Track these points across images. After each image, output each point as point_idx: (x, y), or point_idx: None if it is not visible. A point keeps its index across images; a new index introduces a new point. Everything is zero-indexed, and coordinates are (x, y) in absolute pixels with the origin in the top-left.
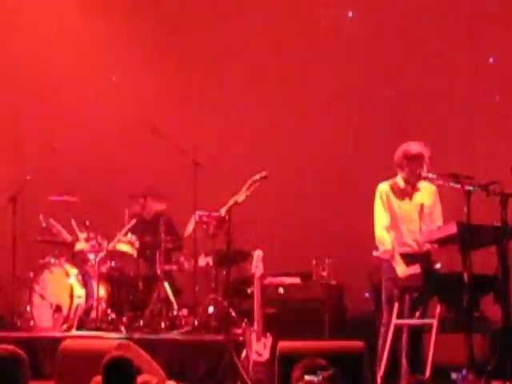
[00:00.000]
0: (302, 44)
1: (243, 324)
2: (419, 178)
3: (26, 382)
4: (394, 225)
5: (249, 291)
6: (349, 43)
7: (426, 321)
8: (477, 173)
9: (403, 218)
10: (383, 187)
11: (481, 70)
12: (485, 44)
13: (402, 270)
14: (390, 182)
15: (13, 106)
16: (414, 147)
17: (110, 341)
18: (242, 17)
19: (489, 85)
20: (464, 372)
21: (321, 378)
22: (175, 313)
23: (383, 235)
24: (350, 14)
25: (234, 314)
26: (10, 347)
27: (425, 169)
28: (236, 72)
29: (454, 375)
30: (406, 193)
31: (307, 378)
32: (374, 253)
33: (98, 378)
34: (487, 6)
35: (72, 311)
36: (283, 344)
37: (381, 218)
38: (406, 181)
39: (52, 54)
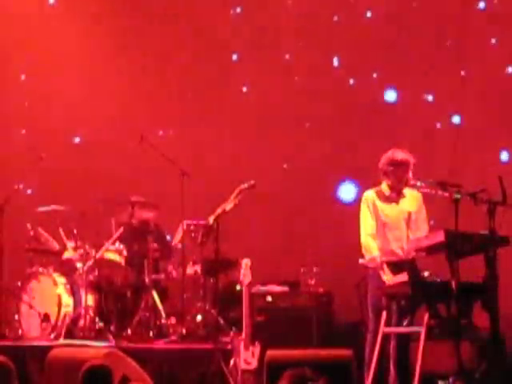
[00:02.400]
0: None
1: (231, 332)
2: (406, 185)
3: None
4: (380, 232)
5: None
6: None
7: (414, 328)
8: (464, 181)
9: (389, 225)
10: (369, 195)
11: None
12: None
13: (388, 278)
14: (376, 189)
15: (1, 115)
16: (400, 154)
17: (97, 350)
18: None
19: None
20: (451, 380)
21: None
22: (163, 321)
23: (369, 243)
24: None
25: (222, 322)
26: None
27: (410, 175)
28: (223, 81)
29: (441, 383)
30: (391, 200)
31: None
32: (361, 260)
33: None
34: None
35: (60, 320)
36: (271, 352)
37: (367, 226)
38: (392, 188)
39: (39, 63)
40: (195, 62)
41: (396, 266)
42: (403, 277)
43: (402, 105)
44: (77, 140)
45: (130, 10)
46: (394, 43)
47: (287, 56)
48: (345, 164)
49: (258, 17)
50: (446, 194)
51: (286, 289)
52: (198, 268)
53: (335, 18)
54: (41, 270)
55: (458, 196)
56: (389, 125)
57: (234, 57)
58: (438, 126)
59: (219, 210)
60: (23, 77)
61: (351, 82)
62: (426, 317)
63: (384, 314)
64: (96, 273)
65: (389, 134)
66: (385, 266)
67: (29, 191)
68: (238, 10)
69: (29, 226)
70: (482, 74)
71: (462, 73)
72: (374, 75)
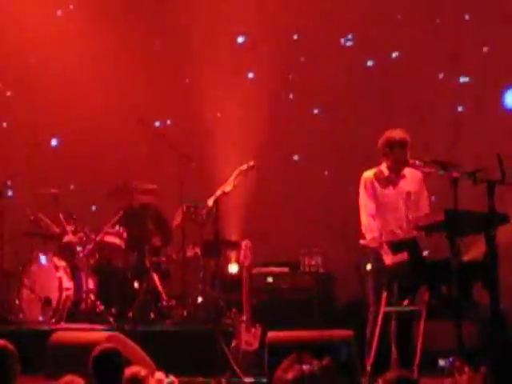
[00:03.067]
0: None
1: (232, 314)
2: (405, 164)
3: (15, 376)
4: (379, 213)
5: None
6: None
7: (414, 307)
8: (463, 160)
9: (389, 206)
10: (368, 175)
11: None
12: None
13: (389, 257)
14: (375, 170)
15: (5, 100)
16: (397, 134)
17: (99, 333)
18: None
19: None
20: (451, 359)
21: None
22: (164, 303)
23: (370, 223)
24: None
25: (222, 303)
26: (0, 341)
27: (408, 155)
28: (224, 61)
29: (441, 362)
30: (390, 180)
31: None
32: (361, 241)
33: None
34: None
35: (61, 304)
36: (272, 334)
37: (366, 207)
38: (391, 168)
39: (39, 49)
40: (205, 44)
41: (397, 246)
42: (403, 256)
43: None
44: (76, 126)
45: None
46: None
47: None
48: (346, 143)
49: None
50: (445, 173)
51: (286, 270)
52: (198, 250)
53: None
54: (41, 254)
55: (458, 175)
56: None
57: (240, 39)
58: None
59: (218, 192)
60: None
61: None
62: (426, 296)
63: (385, 293)
64: (96, 256)
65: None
66: (385, 246)
67: (27, 176)
68: None
69: (28, 210)
70: None
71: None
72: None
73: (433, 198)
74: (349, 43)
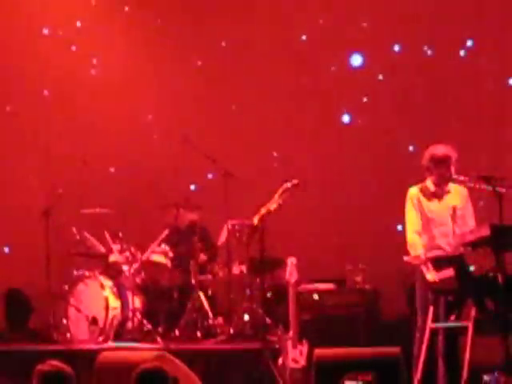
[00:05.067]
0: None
1: (278, 331)
2: (449, 181)
3: None
4: (426, 228)
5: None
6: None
7: (462, 323)
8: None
9: (435, 221)
10: (414, 191)
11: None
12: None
13: (431, 275)
14: (420, 185)
15: (44, 120)
16: (440, 150)
17: (146, 352)
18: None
19: None
20: (496, 374)
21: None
22: (210, 322)
23: (414, 240)
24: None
25: (269, 321)
26: (57, 363)
27: (452, 170)
28: (270, 83)
29: (486, 377)
30: (436, 196)
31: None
32: (405, 258)
33: None
34: None
35: (108, 323)
36: (319, 351)
37: (412, 223)
38: (436, 184)
39: (83, 68)
40: (253, 68)
41: (441, 262)
42: (447, 272)
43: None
44: (120, 143)
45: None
46: None
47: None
48: (392, 159)
49: None
50: (490, 189)
51: (332, 286)
52: (244, 268)
53: None
54: (87, 273)
55: (503, 190)
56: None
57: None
58: None
59: (264, 210)
60: None
61: None
62: (473, 311)
63: (431, 309)
64: (142, 275)
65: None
66: (429, 264)
67: (73, 195)
68: None
69: (74, 230)
70: None
71: None
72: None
73: (478, 212)
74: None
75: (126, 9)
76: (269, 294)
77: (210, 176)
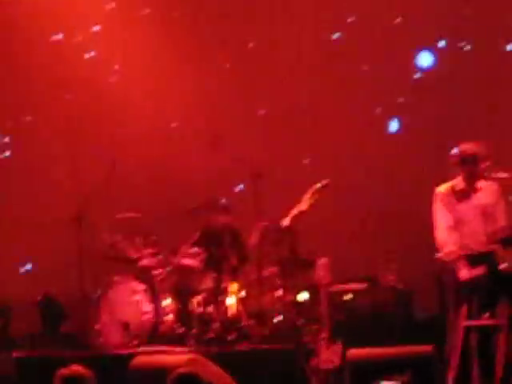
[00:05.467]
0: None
1: (312, 331)
2: (478, 178)
3: None
4: (454, 227)
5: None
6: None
7: (495, 321)
8: None
9: (464, 219)
10: (442, 189)
11: None
12: None
13: (464, 272)
14: (449, 183)
15: (74, 124)
16: (469, 148)
17: (180, 355)
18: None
19: None
20: None
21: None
22: (243, 324)
23: (445, 237)
24: None
25: (301, 322)
26: (78, 367)
27: (481, 168)
28: (298, 85)
29: None
30: (466, 194)
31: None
32: (438, 254)
33: None
34: None
35: (140, 327)
36: (353, 351)
37: (443, 219)
38: (465, 181)
39: (113, 71)
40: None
41: (473, 260)
42: (480, 270)
43: None
44: (149, 147)
45: None
46: None
47: None
48: (423, 158)
49: None
50: None
51: (364, 286)
52: (275, 269)
53: None
54: (120, 277)
55: None
56: None
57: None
58: None
59: (294, 211)
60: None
61: None
62: (507, 309)
63: (465, 307)
64: (174, 278)
65: None
66: (461, 261)
67: (105, 199)
68: None
69: (106, 234)
70: None
71: None
72: None
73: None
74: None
75: (147, 11)
76: (301, 296)
77: (240, 179)
